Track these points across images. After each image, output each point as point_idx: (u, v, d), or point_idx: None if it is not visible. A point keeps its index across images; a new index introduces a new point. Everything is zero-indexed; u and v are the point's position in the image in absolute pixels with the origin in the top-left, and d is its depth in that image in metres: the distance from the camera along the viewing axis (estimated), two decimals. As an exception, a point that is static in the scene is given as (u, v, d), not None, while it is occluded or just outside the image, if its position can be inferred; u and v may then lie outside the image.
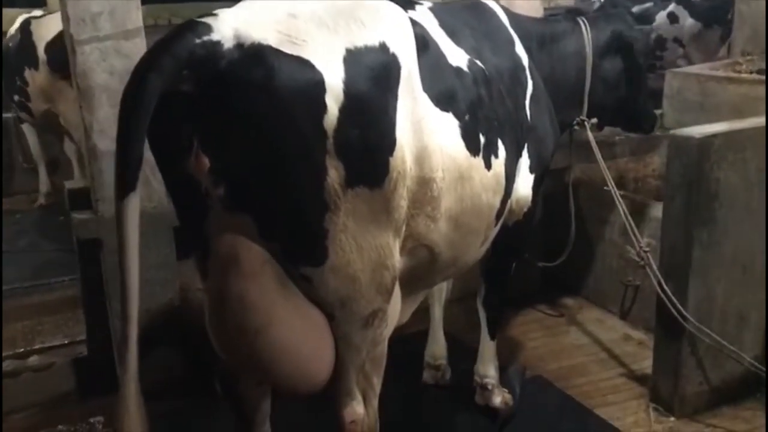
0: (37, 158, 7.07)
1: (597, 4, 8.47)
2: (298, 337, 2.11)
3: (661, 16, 8.67)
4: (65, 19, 3.43)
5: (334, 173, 1.95)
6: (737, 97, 4.62)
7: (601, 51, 3.51)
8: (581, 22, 3.49)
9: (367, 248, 2.09)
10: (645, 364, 3.79)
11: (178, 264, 3.77)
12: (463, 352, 3.78)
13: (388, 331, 2.34)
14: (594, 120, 3.59)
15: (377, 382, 2.34)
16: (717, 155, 3.13)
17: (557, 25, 3.51)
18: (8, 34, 6.50)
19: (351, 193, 2.00)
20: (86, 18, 3.40)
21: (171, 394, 3.64)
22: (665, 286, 3.23)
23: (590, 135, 3.51)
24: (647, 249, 3.38)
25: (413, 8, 2.69)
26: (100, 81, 3.48)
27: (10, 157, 7.57)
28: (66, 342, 4.10)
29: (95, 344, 3.90)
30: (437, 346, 3.76)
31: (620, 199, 3.55)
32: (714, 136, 3.11)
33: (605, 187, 4.14)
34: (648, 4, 3.79)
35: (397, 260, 2.23)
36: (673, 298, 3.21)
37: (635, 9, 3.82)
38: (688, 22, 8.54)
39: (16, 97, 6.32)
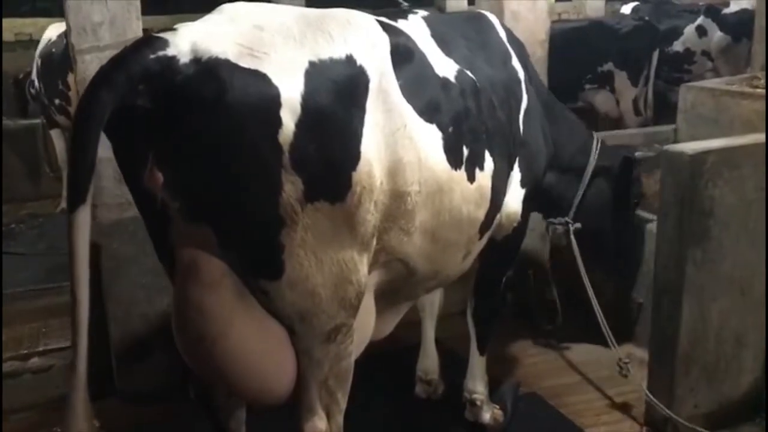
0: (62, 164, 7.25)
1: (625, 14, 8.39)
2: (257, 348, 2.11)
3: (689, 30, 8.53)
4: (68, 28, 3.52)
5: (290, 188, 1.94)
6: (751, 113, 4.50)
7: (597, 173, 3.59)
8: (595, 137, 3.62)
9: (328, 263, 2.08)
10: (644, 384, 3.70)
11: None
12: (459, 367, 3.74)
13: (354, 345, 2.32)
14: (578, 225, 3.56)
15: (342, 398, 2.31)
16: (711, 172, 3.05)
17: (558, 105, 3.57)
18: (47, 41, 6.78)
19: (310, 208, 1.99)
20: (87, 27, 3.49)
21: (167, 399, 3.69)
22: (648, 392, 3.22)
23: (572, 237, 3.53)
24: (627, 361, 3.41)
25: (405, 17, 2.69)
26: (101, 90, 3.54)
27: (36, 163, 7.77)
28: (68, 345, 4.15)
29: (93, 348, 3.95)
30: (429, 361, 3.73)
31: (599, 308, 3.52)
32: (707, 152, 3.04)
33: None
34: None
35: (364, 275, 2.21)
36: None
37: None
38: (716, 35, 8.38)
39: (56, 101, 6.59)
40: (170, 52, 1.86)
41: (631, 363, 3.45)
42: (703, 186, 3.07)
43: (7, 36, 8.82)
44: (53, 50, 6.58)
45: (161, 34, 1.92)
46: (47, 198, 7.56)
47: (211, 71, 1.85)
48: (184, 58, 1.86)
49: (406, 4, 4.16)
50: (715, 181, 3.09)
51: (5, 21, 8.98)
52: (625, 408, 3.65)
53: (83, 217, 1.81)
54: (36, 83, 6.98)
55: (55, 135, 7.13)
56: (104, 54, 3.51)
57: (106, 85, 1.80)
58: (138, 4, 3.53)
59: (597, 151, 3.55)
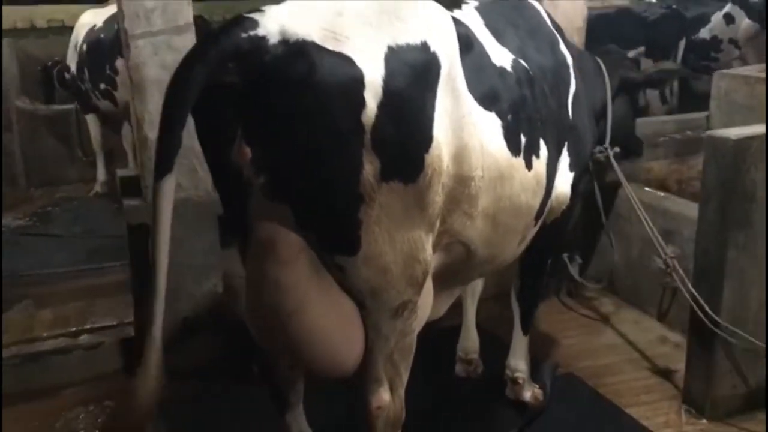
0: (96, 148, 7.37)
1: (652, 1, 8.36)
2: (329, 322, 2.20)
3: (716, 17, 8.50)
4: (120, 14, 3.61)
5: (369, 167, 2.02)
6: (787, 100, 4.54)
7: (613, 90, 3.63)
8: (599, 60, 3.66)
9: (400, 241, 2.16)
10: (680, 365, 3.76)
11: (222, 252, 3.92)
12: (497, 348, 3.83)
13: (417, 323, 2.41)
14: (617, 149, 3.67)
15: (404, 372, 2.41)
16: (754, 157, 3.11)
17: (585, 54, 3.67)
18: (90, 26, 6.83)
19: (385, 187, 2.07)
20: (140, 13, 3.57)
21: (212, 376, 3.81)
22: (695, 292, 3.23)
23: (613, 161, 3.61)
24: (673, 256, 3.41)
25: (459, 8, 2.74)
26: (152, 74, 3.63)
27: (69, 147, 7.90)
28: (115, 323, 4.28)
29: (141, 325, 4.07)
30: (469, 341, 3.82)
31: (644, 212, 3.61)
32: (751, 137, 3.10)
33: (645, 188, 4.20)
34: (641, 49, 4.00)
35: (430, 254, 2.30)
36: (702, 302, 3.20)
37: (631, 53, 4.18)
38: (744, 22, 8.35)
39: (102, 86, 6.65)
40: (260, 32, 1.94)
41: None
42: (746, 170, 3.13)
43: (40, 23, 8.90)
44: (101, 35, 6.61)
45: (251, 15, 1.99)
46: (81, 182, 7.71)
47: (300, 52, 1.93)
48: (273, 39, 1.94)
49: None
50: (757, 165, 3.15)
51: (38, 8, 9.08)
52: (663, 388, 3.72)
53: (169, 185, 1.91)
54: (72, 68, 7.06)
55: (91, 120, 7.23)
56: (157, 39, 3.61)
57: (200, 60, 1.89)
58: (191, -10, 3.61)
59: (608, 82, 3.63)
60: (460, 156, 2.28)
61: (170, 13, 3.62)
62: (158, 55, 3.65)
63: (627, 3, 9.00)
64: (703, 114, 5.18)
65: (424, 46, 2.16)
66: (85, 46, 6.80)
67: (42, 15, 8.73)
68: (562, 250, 4.51)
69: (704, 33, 8.40)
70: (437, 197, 2.21)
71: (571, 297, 4.79)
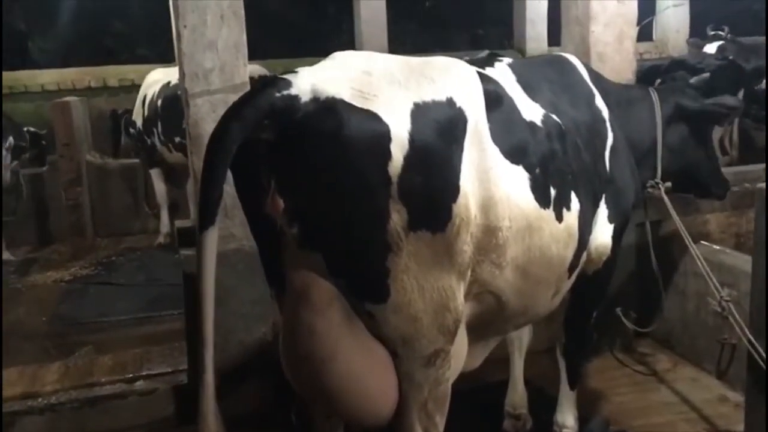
0: (160, 201, 7.71)
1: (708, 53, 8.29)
2: (362, 369, 2.23)
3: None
4: (181, 74, 3.81)
5: (396, 216, 2.09)
6: None
7: (668, 120, 3.56)
8: (651, 92, 3.58)
9: (429, 289, 2.20)
10: (739, 427, 3.62)
11: (272, 301, 4.00)
12: (547, 403, 3.76)
13: (451, 372, 2.42)
14: (668, 183, 3.61)
15: (440, 422, 2.41)
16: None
17: (632, 90, 3.63)
18: (164, 83, 7.20)
19: (413, 236, 2.13)
20: (199, 73, 3.76)
21: (262, 423, 3.85)
22: (750, 335, 3.13)
23: (663, 194, 3.55)
24: (728, 299, 3.30)
25: (492, 65, 2.83)
26: (210, 130, 3.78)
27: (136, 200, 8.25)
28: (170, 370, 4.39)
29: (195, 373, 4.17)
30: (517, 396, 3.77)
31: (696, 249, 3.53)
32: (804, 190, 3.02)
33: (701, 241, 4.11)
34: (705, 75, 3.87)
35: (461, 303, 2.33)
36: (759, 347, 3.09)
37: (693, 80, 3.88)
38: (810, 72, 8.15)
39: (176, 139, 6.97)
40: (293, 91, 2.07)
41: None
42: (798, 223, 3.05)
43: (111, 81, 9.49)
44: (178, 92, 6.96)
45: (285, 76, 2.12)
46: (145, 233, 8.03)
47: (331, 109, 2.05)
48: (305, 97, 2.07)
49: (486, 51, 4.33)
50: (811, 218, 3.06)
51: (110, 68, 9.66)
52: (719, 448, 3.59)
53: (212, 236, 2.01)
54: (138, 124, 7.43)
55: (155, 174, 7.59)
56: (214, 98, 3.79)
57: (237, 118, 2.02)
58: (245, 51, 3.79)
59: (659, 110, 3.52)
60: (487, 206, 2.33)
61: (227, 73, 3.80)
62: (216, 113, 3.81)
63: (683, 54, 8.92)
64: (762, 166, 5.05)
65: (450, 102, 2.25)
66: (159, 102, 7.14)
67: (114, 75, 9.30)
68: (614, 304, 4.43)
69: (765, 84, 8.22)
70: (466, 246, 2.25)
71: (626, 353, 4.67)
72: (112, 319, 5.51)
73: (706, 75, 3.88)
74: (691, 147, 3.68)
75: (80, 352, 4.83)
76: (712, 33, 8.46)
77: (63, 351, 4.88)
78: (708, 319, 4.33)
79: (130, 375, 4.35)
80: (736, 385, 4.08)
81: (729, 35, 8.34)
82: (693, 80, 3.83)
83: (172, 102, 6.91)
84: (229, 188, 2.28)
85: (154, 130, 7.24)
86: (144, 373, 4.39)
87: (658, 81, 4.33)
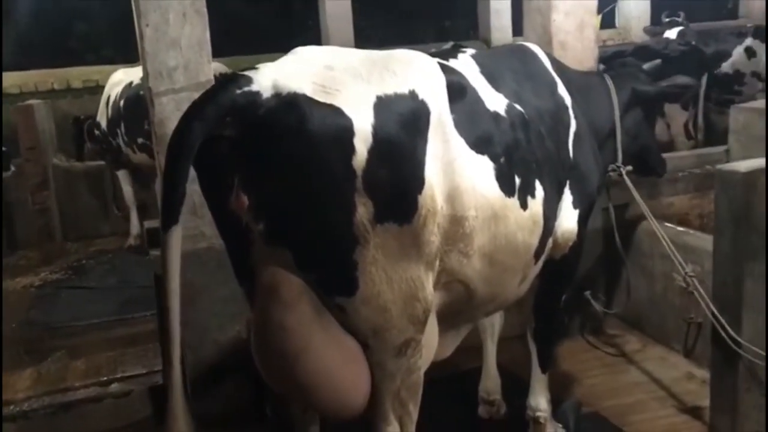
0: (129, 202, 7.62)
1: (671, 39, 8.43)
2: (335, 362, 2.26)
3: (738, 51, 8.50)
4: (145, 73, 3.79)
5: (363, 209, 2.11)
6: (806, 132, 4.52)
7: (625, 105, 3.63)
8: (606, 78, 3.66)
9: (398, 280, 2.23)
10: (706, 402, 3.71)
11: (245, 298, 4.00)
12: (520, 388, 3.82)
13: (423, 360, 2.45)
14: (629, 167, 3.70)
15: (413, 409, 2.45)
16: (765, 189, 3.11)
17: (591, 77, 3.70)
18: (127, 83, 7.12)
19: (380, 228, 2.16)
20: (163, 72, 3.73)
21: (238, 421, 3.86)
22: (715, 310, 3.21)
23: (626, 177, 3.63)
24: (693, 275, 3.39)
25: (455, 57, 2.86)
26: (175, 129, 3.79)
27: (104, 202, 8.17)
28: (144, 372, 4.37)
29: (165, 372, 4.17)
30: (491, 382, 3.83)
31: (660, 228, 3.62)
32: (760, 170, 3.10)
33: (665, 223, 4.20)
34: (657, 62, 3.96)
35: (430, 293, 2.36)
36: (724, 322, 3.17)
37: (646, 66, 3.93)
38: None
39: (139, 140, 6.90)
40: (254, 87, 2.07)
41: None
42: (757, 203, 3.13)
43: (75, 83, 9.35)
44: (141, 92, 6.84)
45: (245, 72, 2.12)
46: (115, 235, 7.94)
47: (292, 104, 2.06)
48: (267, 93, 2.07)
49: (451, 42, 4.37)
50: (768, 197, 3.15)
51: (74, 69, 9.52)
52: (689, 426, 3.67)
53: (176, 235, 2.02)
54: (103, 125, 7.35)
55: (122, 176, 7.51)
56: (179, 96, 3.76)
57: (199, 117, 2.02)
58: (209, 49, 3.76)
59: (615, 97, 3.59)
60: (452, 197, 2.36)
61: (191, 71, 3.77)
62: (181, 111, 3.70)
63: (645, 41, 9.05)
64: (722, 148, 5.17)
65: (413, 95, 2.27)
66: (122, 102, 7.07)
67: (77, 76, 9.15)
68: (583, 288, 4.51)
69: (726, 67, 8.39)
70: (433, 237, 2.28)
71: (596, 335, 4.76)
72: (84, 322, 5.46)
73: (658, 61, 3.95)
74: (645, 130, 3.79)
75: (53, 357, 4.78)
76: (668, 20, 8.58)
77: (35, 357, 4.83)
78: (675, 299, 4.42)
79: (105, 378, 4.33)
80: (702, 363, 4.18)
81: (684, 21, 8.48)
82: (646, 66, 3.89)
83: (134, 102, 6.86)
84: (197, 187, 2.30)
85: (118, 131, 7.17)
86: (119, 376, 4.37)
87: (602, 67, 4.36)
